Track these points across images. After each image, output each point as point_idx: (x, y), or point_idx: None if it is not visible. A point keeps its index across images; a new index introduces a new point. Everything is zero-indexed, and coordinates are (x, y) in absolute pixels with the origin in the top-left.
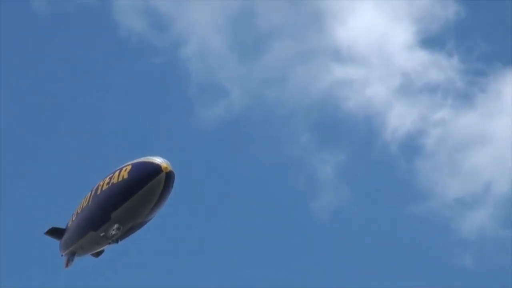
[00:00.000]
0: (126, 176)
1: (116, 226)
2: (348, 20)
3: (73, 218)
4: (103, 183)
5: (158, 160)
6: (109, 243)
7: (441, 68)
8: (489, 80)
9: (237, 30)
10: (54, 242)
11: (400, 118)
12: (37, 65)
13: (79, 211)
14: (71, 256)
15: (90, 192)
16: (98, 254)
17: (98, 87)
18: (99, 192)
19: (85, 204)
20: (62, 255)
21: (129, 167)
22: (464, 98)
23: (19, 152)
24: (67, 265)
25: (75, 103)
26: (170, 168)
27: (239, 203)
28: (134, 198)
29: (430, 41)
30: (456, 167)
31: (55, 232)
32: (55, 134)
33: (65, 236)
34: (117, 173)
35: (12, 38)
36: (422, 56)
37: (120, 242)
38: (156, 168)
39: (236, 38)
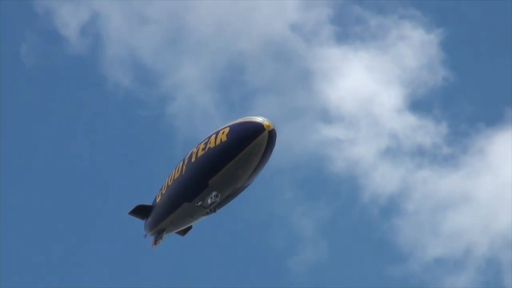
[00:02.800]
0: (224, 138)
1: (214, 193)
2: (337, 81)
3: (163, 192)
4: (198, 150)
5: (259, 118)
6: (207, 213)
7: (427, 131)
8: (473, 141)
9: (225, 87)
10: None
11: (384, 178)
12: (23, 116)
13: (169, 183)
14: (158, 235)
15: (182, 162)
16: (185, 231)
17: (85, 139)
18: (193, 159)
19: (177, 175)
20: (146, 235)
21: (226, 130)
22: (448, 159)
23: None
24: (155, 244)
25: (60, 151)
26: (272, 126)
27: (219, 260)
28: (234, 161)
29: (418, 104)
30: (437, 228)
31: (141, 211)
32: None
33: (153, 213)
34: (213, 137)
35: None
36: (409, 119)
37: (218, 211)
38: (258, 127)
39: (223, 95)
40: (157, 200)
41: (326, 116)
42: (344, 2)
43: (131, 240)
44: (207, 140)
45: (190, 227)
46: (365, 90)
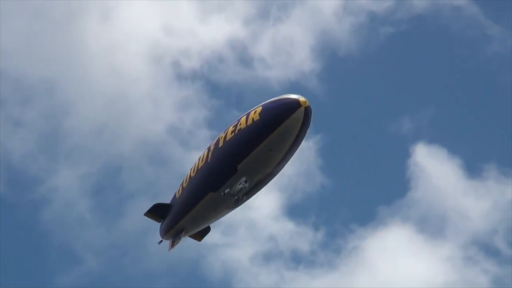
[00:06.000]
0: (257, 118)
1: (243, 179)
2: None
3: (183, 186)
4: (226, 134)
5: (293, 96)
6: (235, 201)
7: (304, 236)
8: (347, 243)
9: (101, 192)
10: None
11: (259, 283)
12: None
13: (192, 174)
14: (176, 236)
15: (206, 150)
16: (203, 234)
17: None
18: (221, 144)
19: (201, 164)
20: (161, 240)
21: (259, 109)
22: (324, 262)
23: None
24: (172, 246)
25: None
26: (308, 103)
27: None
28: (267, 140)
29: (295, 210)
30: None
31: (158, 210)
32: None
33: (172, 212)
34: (243, 118)
35: None
36: (287, 225)
37: (246, 203)
38: (294, 103)
39: (99, 200)
40: (177, 196)
41: None
42: (221, 105)
43: None
44: (236, 122)
45: (208, 229)
46: None
